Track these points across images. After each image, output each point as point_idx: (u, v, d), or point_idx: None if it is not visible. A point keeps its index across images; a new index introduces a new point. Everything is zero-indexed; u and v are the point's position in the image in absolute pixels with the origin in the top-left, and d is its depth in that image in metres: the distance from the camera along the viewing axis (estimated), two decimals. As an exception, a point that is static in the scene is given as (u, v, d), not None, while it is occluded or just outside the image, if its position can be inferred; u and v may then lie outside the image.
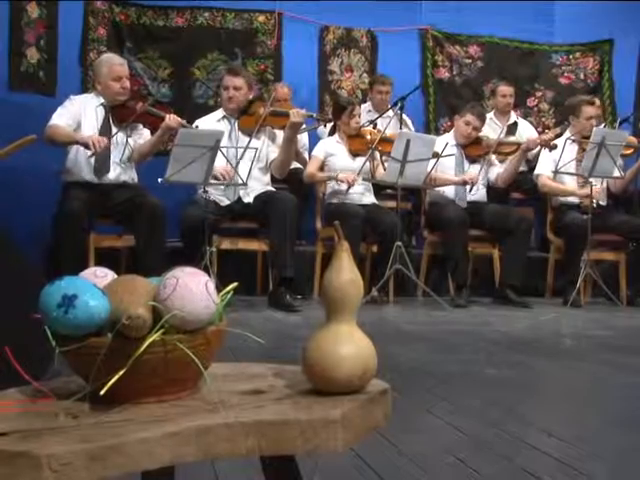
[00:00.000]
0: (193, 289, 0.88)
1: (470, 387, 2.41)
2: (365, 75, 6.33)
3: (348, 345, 0.96)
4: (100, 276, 0.98)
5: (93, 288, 0.87)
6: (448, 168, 4.85)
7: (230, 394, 0.95)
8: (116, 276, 1.00)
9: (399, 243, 4.27)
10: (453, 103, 6.45)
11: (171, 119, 4.12)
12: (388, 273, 4.28)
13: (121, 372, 0.84)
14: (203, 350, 0.91)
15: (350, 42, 6.32)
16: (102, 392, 0.84)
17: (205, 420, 0.84)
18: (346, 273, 0.99)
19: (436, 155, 4.36)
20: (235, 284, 1.02)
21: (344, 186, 4.62)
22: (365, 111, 5.48)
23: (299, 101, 5.71)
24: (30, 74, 5.49)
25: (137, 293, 0.88)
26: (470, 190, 4.79)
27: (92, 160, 4.10)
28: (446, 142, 4.55)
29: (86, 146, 4.00)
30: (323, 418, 0.88)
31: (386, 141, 4.76)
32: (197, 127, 4.12)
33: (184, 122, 4.11)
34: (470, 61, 6.56)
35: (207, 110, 5.68)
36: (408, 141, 4.20)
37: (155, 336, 0.86)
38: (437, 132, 6.41)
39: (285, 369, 1.10)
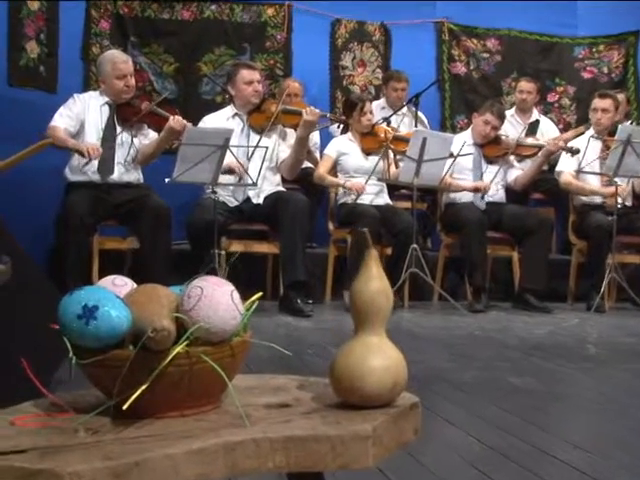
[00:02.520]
0: (219, 299, 0.88)
1: (491, 396, 2.41)
2: (378, 70, 6.33)
3: (378, 357, 0.96)
4: (119, 285, 0.98)
5: (115, 298, 0.88)
6: (465, 168, 4.85)
7: (255, 408, 0.95)
8: (135, 285, 1.00)
9: (415, 246, 4.27)
10: (470, 99, 6.43)
11: (175, 120, 4.12)
12: (403, 277, 4.27)
13: (144, 386, 0.84)
14: (228, 362, 0.91)
15: (363, 36, 6.31)
16: (125, 407, 0.84)
17: (232, 436, 0.84)
18: (375, 282, 1.00)
19: (452, 155, 4.36)
20: (260, 294, 1.02)
21: (352, 195, 4.64)
22: (379, 108, 5.48)
23: (310, 97, 5.71)
24: (30, 69, 5.50)
25: (160, 303, 0.89)
26: (482, 197, 4.78)
27: (95, 160, 4.12)
28: (463, 141, 4.54)
29: (80, 153, 4.02)
30: (354, 433, 0.88)
31: (400, 140, 4.76)
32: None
33: (189, 124, 4.11)
34: (488, 55, 6.53)
35: (214, 107, 5.70)
36: (424, 139, 4.20)
37: (179, 348, 0.86)
38: (453, 130, 6.40)
39: (309, 381, 1.11)
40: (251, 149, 4.18)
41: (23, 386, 1.14)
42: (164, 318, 0.85)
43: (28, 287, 1.67)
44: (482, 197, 4.80)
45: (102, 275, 3.73)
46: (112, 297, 0.88)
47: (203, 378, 0.89)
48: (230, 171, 4.14)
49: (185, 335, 0.87)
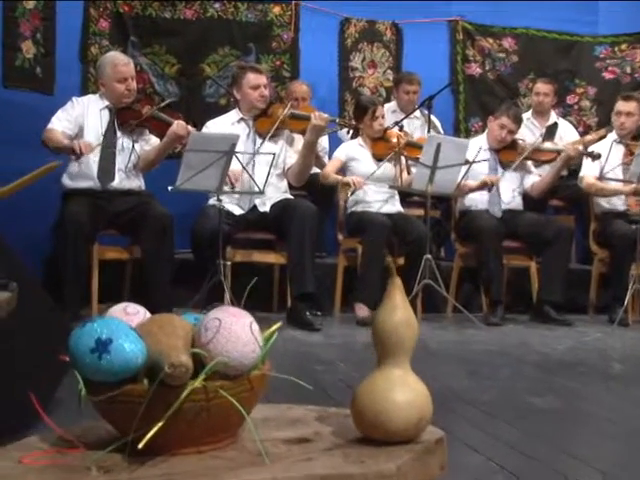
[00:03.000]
0: (238, 333, 0.88)
1: (511, 417, 2.40)
2: (389, 71, 6.34)
3: (402, 391, 0.96)
4: (132, 313, 0.98)
5: (129, 330, 0.88)
6: (480, 174, 4.84)
7: (274, 443, 0.95)
8: (148, 313, 1.00)
9: (428, 256, 4.27)
10: (485, 101, 6.44)
11: (178, 126, 4.13)
12: (416, 289, 4.27)
13: (160, 424, 0.84)
14: (246, 396, 0.91)
15: (373, 35, 6.32)
16: (140, 446, 0.84)
17: (252, 475, 0.84)
18: (399, 312, 0.99)
19: (468, 162, 4.35)
20: (279, 324, 1.02)
21: (351, 190, 4.63)
22: (390, 111, 5.48)
23: (318, 100, 5.72)
24: (26, 70, 5.52)
25: (176, 335, 0.88)
26: (489, 190, 4.76)
27: (95, 166, 4.13)
28: (479, 147, 4.53)
29: (72, 151, 4.05)
30: (377, 472, 0.88)
31: (413, 146, 4.76)
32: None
33: (193, 130, 4.12)
34: (504, 55, 6.54)
35: (218, 110, 5.71)
36: (439, 145, 4.20)
37: (197, 383, 0.86)
38: (467, 133, 6.41)
39: (328, 412, 1.10)
40: (257, 155, 4.19)
41: (23, 412, 1.14)
42: (182, 353, 0.85)
43: (27, 306, 1.67)
44: (490, 189, 4.77)
45: (102, 286, 3.73)
46: (126, 329, 0.88)
47: (220, 413, 0.89)
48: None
49: (204, 371, 0.86)
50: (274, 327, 1.03)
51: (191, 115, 5.62)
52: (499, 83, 6.54)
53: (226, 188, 4.10)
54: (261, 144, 4.18)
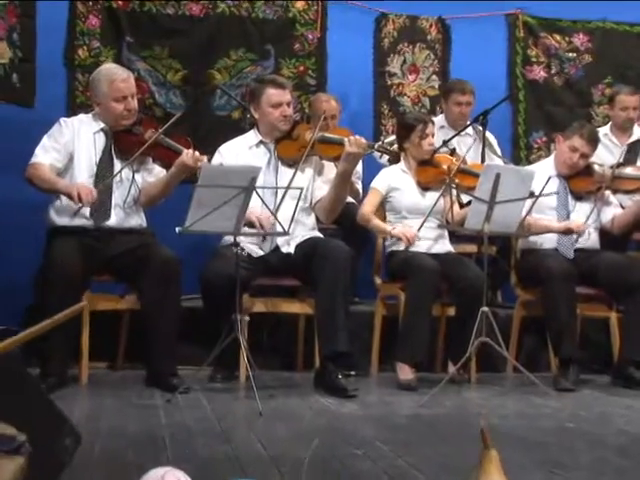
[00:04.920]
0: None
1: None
2: (434, 77, 6.41)
3: None
4: None
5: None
6: (547, 207, 4.88)
7: None
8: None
9: (485, 309, 4.28)
10: (551, 112, 6.52)
11: (188, 155, 4.21)
12: (471, 349, 4.30)
13: None
14: None
15: (415, 34, 6.41)
16: None
17: None
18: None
19: (533, 195, 4.40)
20: None
21: (401, 245, 4.70)
22: (437, 127, 5.53)
23: (349, 113, 5.82)
24: (0, 78, 5.63)
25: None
26: (576, 241, 4.82)
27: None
28: (548, 176, 4.57)
29: (70, 197, 4.11)
30: None
31: (466, 173, 4.81)
32: (221, 164, 4.21)
33: (205, 159, 4.20)
34: (575, 55, 6.60)
35: (230, 126, 5.82)
36: (498, 176, 4.24)
37: None
38: (528, 150, 6.46)
39: None
40: (281, 190, 4.26)
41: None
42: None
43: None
44: (576, 240, 4.82)
45: (93, 342, 3.80)
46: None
47: None
48: (250, 224, 4.21)
49: None
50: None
51: (199, 131, 5.74)
52: (568, 89, 6.60)
53: (245, 229, 4.17)
54: (291, 180, 4.24)
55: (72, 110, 5.83)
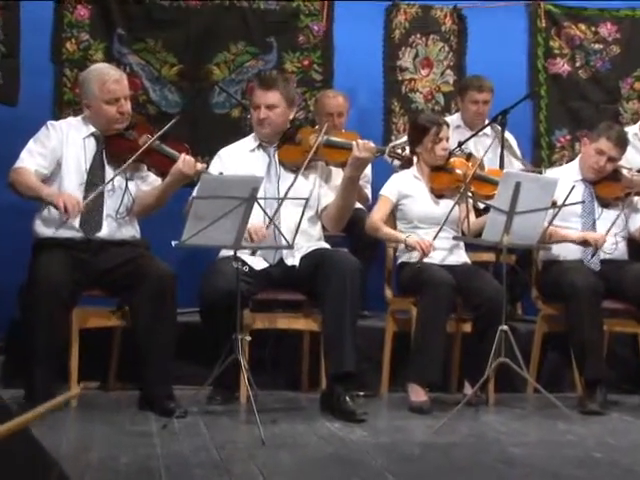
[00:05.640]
0: None
1: None
2: (449, 72, 6.41)
3: None
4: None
5: None
6: (572, 215, 4.88)
7: None
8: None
9: (504, 327, 4.28)
10: (575, 108, 6.51)
11: (185, 162, 4.20)
12: (488, 371, 4.31)
13: None
14: None
15: (429, 25, 6.41)
16: None
17: None
18: None
19: (555, 205, 4.40)
20: None
21: (415, 255, 4.70)
22: (452, 127, 5.53)
23: (357, 110, 5.82)
24: (-19, 75, 5.66)
25: None
26: (593, 255, 4.82)
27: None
28: (572, 185, 4.57)
29: (55, 207, 4.12)
30: None
31: (483, 180, 4.81)
32: (221, 174, 4.21)
33: (203, 166, 4.21)
34: (601, 47, 6.57)
35: (230, 125, 5.84)
36: (518, 185, 4.24)
37: None
38: (551, 150, 6.46)
39: None
40: (284, 197, 4.26)
41: None
42: None
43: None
44: (593, 255, 4.83)
45: (82, 362, 3.81)
46: None
47: None
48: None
49: None
50: None
51: (197, 130, 5.75)
52: (594, 84, 6.59)
53: (245, 242, 4.18)
54: (290, 186, 4.25)
55: (59, 108, 5.88)
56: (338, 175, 4.57)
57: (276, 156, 4.61)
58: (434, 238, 4.67)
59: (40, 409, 1.39)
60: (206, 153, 5.49)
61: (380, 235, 4.88)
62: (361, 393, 4.77)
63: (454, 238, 4.76)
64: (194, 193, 4.20)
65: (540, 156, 6.49)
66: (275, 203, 4.31)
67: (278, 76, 4.84)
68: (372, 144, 4.33)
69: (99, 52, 5.98)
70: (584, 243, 4.86)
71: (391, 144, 5.47)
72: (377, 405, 4.71)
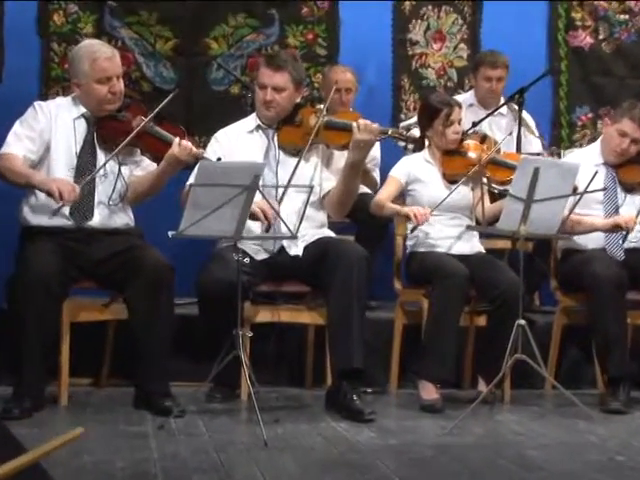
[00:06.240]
0: None
1: None
2: (462, 46, 6.39)
3: None
4: None
5: None
6: (593, 201, 4.86)
7: None
8: None
9: (522, 322, 4.29)
10: (598, 84, 6.49)
11: (180, 147, 4.19)
12: (505, 368, 4.32)
13: None
14: None
15: (440, -4, 6.39)
16: None
17: None
18: None
19: (576, 192, 4.40)
20: None
21: (410, 225, 4.72)
22: (465, 105, 5.50)
23: (364, 88, 5.81)
24: (-38, 50, 5.64)
25: None
26: (624, 239, 4.81)
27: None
28: (595, 170, 4.56)
29: (49, 194, 4.09)
30: None
31: (499, 164, 4.80)
32: (219, 159, 4.20)
33: (200, 151, 4.20)
34: (627, 17, 6.54)
35: (229, 103, 5.82)
36: (536, 171, 4.24)
37: None
38: (571, 129, 6.44)
39: None
40: (285, 185, 4.28)
41: None
42: None
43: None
44: (625, 238, 4.81)
45: (74, 356, 3.83)
46: None
47: None
48: (252, 216, 4.19)
49: None
50: None
51: (193, 109, 5.74)
52: (619, 57, 6.57)
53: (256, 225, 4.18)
54: (292, 173, 4.26)
55: (46, 85, 5.88)
56: (341, 157, 4.56)
57: (275, 139, 4.61)
58: (432, 210, 4.61)
59: (52, 445, 1.41)
60: (203, 133, 5.51)
61: (385, 212, 4.83)
62: (369, 390, 4.80)
63: (468, 228, 4.74)
64: (191, 179, 4.22)
65: (560, 135, 6.48)
66: (273, 189, 4.33)
67: (288, 57, 4.77)
68: (375, 125, 4.32)
69: (89, 25, 5.97)
70: (614, 228, 4.83)
71: (401, 124, 5.48)
72: (386, 403, 4.73)
